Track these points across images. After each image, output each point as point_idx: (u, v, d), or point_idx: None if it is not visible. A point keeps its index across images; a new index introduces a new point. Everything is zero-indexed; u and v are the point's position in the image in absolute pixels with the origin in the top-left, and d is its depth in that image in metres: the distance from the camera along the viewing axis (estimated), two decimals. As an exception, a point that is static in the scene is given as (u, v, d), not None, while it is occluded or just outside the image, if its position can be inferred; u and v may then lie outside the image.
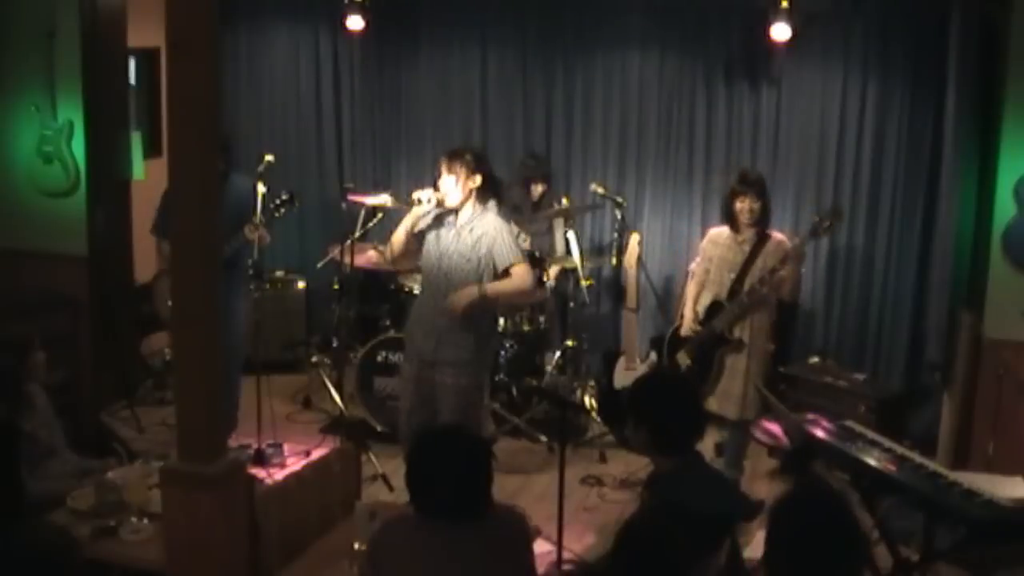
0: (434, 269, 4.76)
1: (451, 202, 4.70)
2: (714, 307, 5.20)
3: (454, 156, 4.70)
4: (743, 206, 5.09)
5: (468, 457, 3.03)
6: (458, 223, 4.72)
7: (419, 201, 4.72)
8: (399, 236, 4.83)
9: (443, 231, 4.75)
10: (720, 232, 5.29)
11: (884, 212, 6.40)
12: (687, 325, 5.32)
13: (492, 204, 4.76)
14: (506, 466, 5.64)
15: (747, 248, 5.14)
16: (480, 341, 4.77)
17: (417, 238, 4.82)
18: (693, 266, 5.51)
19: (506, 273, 4.67)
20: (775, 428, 5.64)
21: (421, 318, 4.84)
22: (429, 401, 4.79)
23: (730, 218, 5.17)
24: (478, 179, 4.68)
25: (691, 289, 5.40)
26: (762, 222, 5.15)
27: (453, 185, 4.68)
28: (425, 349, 4.76)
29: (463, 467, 3.00)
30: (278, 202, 5.55)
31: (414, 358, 4.85)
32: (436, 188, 4.74)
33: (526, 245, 6.45)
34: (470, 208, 4.71)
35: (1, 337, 4.71)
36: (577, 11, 6.86)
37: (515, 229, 4.82)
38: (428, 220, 4.79)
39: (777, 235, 5.24)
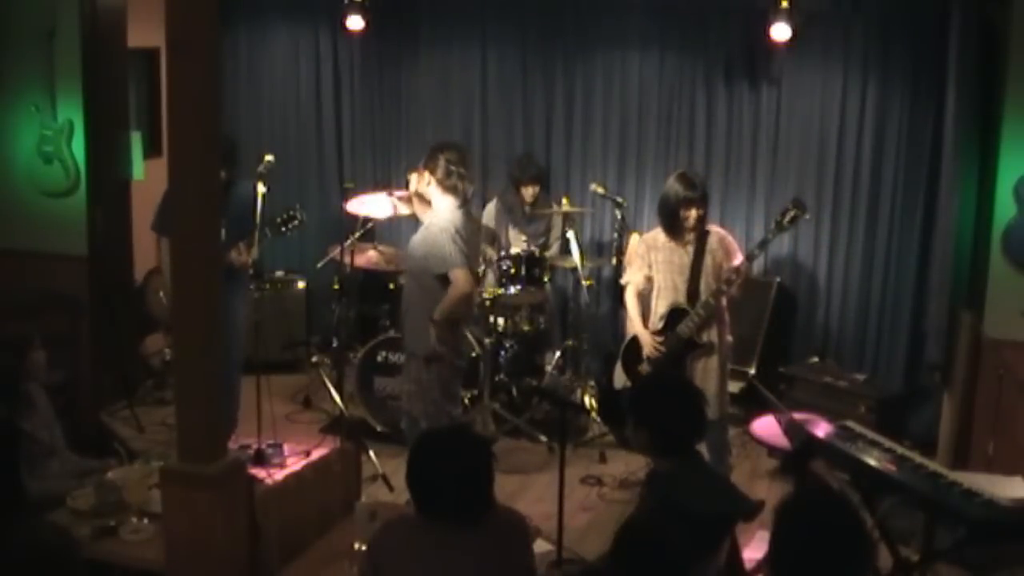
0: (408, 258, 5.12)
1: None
2: (675, 313, 5.05)
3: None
4: (690, 214, 4.95)
5: (470, 458, 3.03)
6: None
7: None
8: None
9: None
10: (655, 236, 5.14)
11: (884, 212, 6.40)
12: (647, 345, 5.10)
13: (448, 202, 4.88)
14: (506, 466, 5.63)
15: (691, 249, 5.02)
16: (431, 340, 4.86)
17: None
18: (627, 277, 5.29)
19: (445, 280, 4.78)
20: (773, 428, 5.63)
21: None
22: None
23: (674, 224, 5.00)
24: (427, 177, 4.91)
25: (633, 301, 5.18)
26: (703, 225, 5.06)
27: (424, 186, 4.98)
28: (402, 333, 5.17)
29: (465, 468, 3.00)
30: (284, 218, 5.54)
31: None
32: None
33: (523, 246, 6.44)
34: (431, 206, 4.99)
35: (1, 337, 4.71)
36: (577, 11, 6.86)
37: (458, 230, 4.81)
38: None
39: (716, 229, 5.18)
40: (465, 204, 4.92)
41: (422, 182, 4.94)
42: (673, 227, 5.04)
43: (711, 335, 5.05)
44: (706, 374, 5.05)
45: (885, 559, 3.94)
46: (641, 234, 6.22)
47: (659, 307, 5.13)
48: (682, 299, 5.04)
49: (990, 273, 5.25)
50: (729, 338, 5.19)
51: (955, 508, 3.51)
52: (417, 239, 4.94)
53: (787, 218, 4.95)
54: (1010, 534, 3.58)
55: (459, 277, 4.74)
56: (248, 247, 5.42)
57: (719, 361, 5.06)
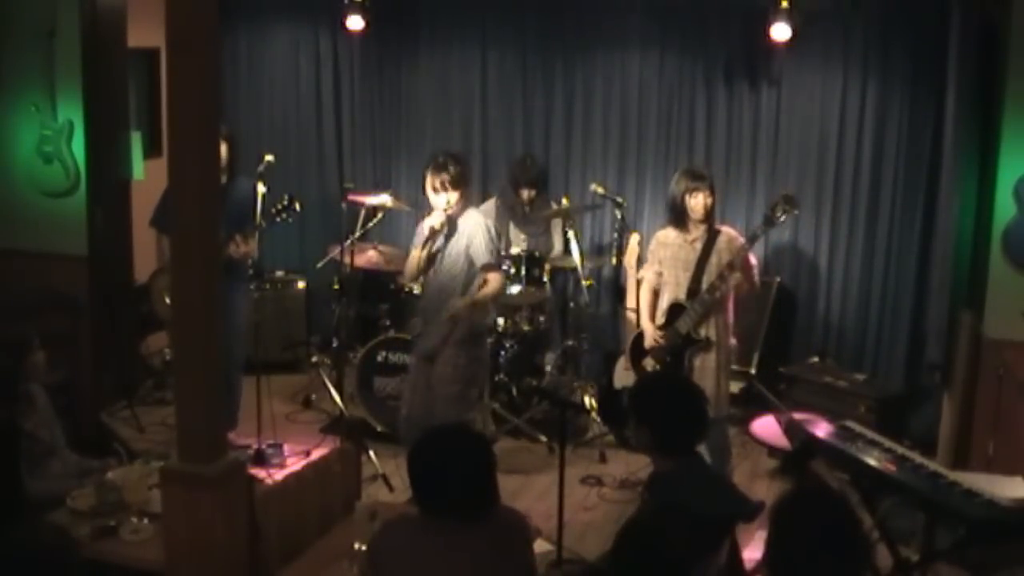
0: (435, 271, 5.05)
1: (452, 215, 5.02)
2: (675, 309, 5.11)
3: (444, 168, 4.92)
4: (696, 202, 5.02)
5: (473, 456, 3.04)
6: (453, 229, 5.00)
7: (434, 230, 5.00)
8: (414, 264, 5.09)
9: (439, 239, 5.05)
10: (667, 233, 5.21)
11: (884, 212, 6.40)
12: (649, 336, 5.22)
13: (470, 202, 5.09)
14: (506, 466, 5.62)
15: (699, 246, 5.07)
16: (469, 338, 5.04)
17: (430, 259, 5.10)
18: (641, 272, 5.42)
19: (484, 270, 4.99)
20: (773, 428, 5.63)
21: (426, 314, 5.16)
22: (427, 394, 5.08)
23: (680, 216, 5.09)
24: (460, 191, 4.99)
25: (645, 296, 5.30)
26: (711, 217, 5.11)
27: (456, 198, 4.96)
28: (428, 344, 5.06)
29: (468, 466, 3.01)
30: (280, 207, 5.53)
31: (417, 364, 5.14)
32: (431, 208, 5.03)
33: (524, 245, 6.45)
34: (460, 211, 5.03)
35: (1, 337, 4.71)
36: (577, 11, 6.86)
37: (493, 226, 5.10)
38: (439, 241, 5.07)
39: (727, 229, 5.21)
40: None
41: (458, 198, 4.98)
42: (679, 219, 5.10)
43: (709, 332, 5.06)
44: (704, 371, 5.07)
45: (885, 559, 3.94)
46: (641, 234, 6.25)
47: (662, 302, 5.20)
48: (683, 295, 5.08)
49: (990, 273, 5.25)
50: (732, 340, 5.21)
51: (955, 508, 3.51)
52: (455, 245, 4.99)
53: (777, 213, 4.99)
54: (1010, 534, 3.58)
55: (495, 279, 5.01)
56: (245, 238, 5.42)
57: (717, 359, 5.07)
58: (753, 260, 5.20)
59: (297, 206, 5.50)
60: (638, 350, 5.32)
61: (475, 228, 4.99)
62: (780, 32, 6.02)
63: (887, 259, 6.43)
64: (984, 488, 3.56)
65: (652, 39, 6.74)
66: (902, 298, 6.41)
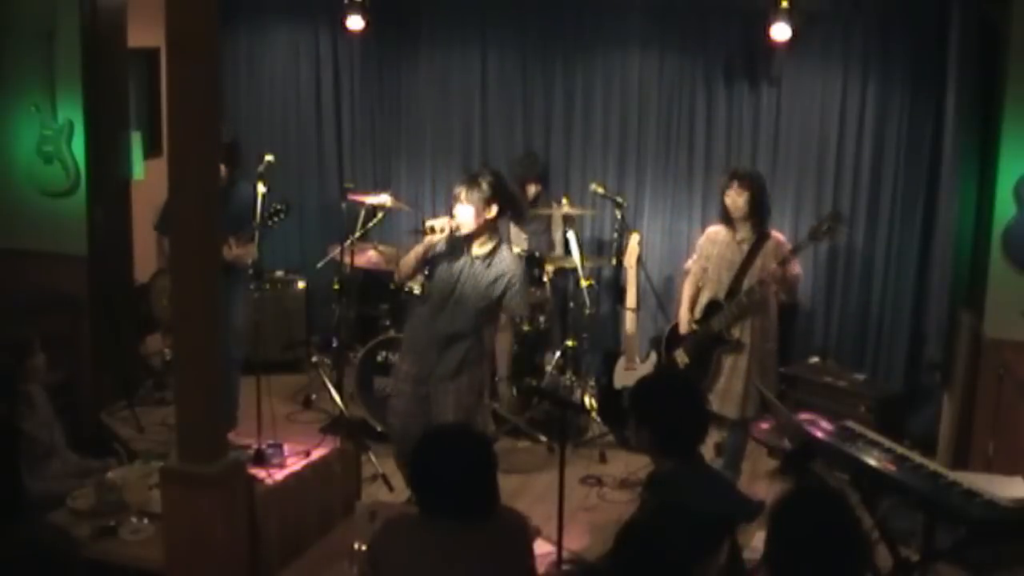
0: (445, 294, 4.70)
1: (466, 231, 4.63)
2: (712, 306, 5.19)
3: (472, 185, 4.58)
4: (729, 199, 5.12)
5: (474, 456, 3.04)
6: (472, 252, 4.67)
7: (432, 230, 4.64)
8: (410, 261, 4.78)
9: (455, 258, 4.69)
10: (718, 230, 5.28)
11: (884, 212, 6.40)
12: (684, 323, 5.33)
13: (505, 238, 4.79)
14: (506, 466, 5.62)
15: (746, 248, 5.13)
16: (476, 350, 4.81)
17: (427, 263, 4.78)
18: (689, 263, 5.49)
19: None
20: (773, 427, 5.64)
21: (420, 337, 4.82)
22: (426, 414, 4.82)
23: (724, 213, 5.20)
24: (494, 209, 4.61)
25: (687, 287, 5.40)
26: (756, 217, 5.14)
27: (470, 215, 4.59)
28: (425, 365, 4.78)
29: (469, 466, 3.01)
30: (272, 211, 5.55)
31: (410, 376, 4.85)
32: (451, 216, 4.65)
33: (524, 246, 6.46)
34: (485, 237, 4.67)
35: (1, 337, 4.71)
36: (577, 11, 6.86)
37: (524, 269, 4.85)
38: (441, 247, 4.72)
39: (778, 235, 5.25)
40: None
41: (480, 212, 4.61)
42: (725, 216, 5.20)
43: (743, 334, 5.11)
44: (734, 372, 5.13)
45: (885, 559, 3.94)
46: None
47: (703, 298, 5.28)
48: (723, 294, 5.15)
49: (990, 273, 5.25)
50: (770, 344, 5.24)
51: (955, 508, 3.52)
52: (479, 277, 4.64)
53: (824, 228, 5.08)
54: (1010, 534, 3.59)
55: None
56: (239, 242, 5.43)
57: (748, 361, 5.12)
58: (798, 269, 5.17)
59: (285, 208, 5.55)
60: (672, 340, 5.40)
61: (515, 273, 4.65)
62: (780, 32, 6.02)
63: (887, 259, 6.43)
64: (984, 488, 3.57)
65: (652, 39, 6.74)
66: (902, 298, 6.41)
